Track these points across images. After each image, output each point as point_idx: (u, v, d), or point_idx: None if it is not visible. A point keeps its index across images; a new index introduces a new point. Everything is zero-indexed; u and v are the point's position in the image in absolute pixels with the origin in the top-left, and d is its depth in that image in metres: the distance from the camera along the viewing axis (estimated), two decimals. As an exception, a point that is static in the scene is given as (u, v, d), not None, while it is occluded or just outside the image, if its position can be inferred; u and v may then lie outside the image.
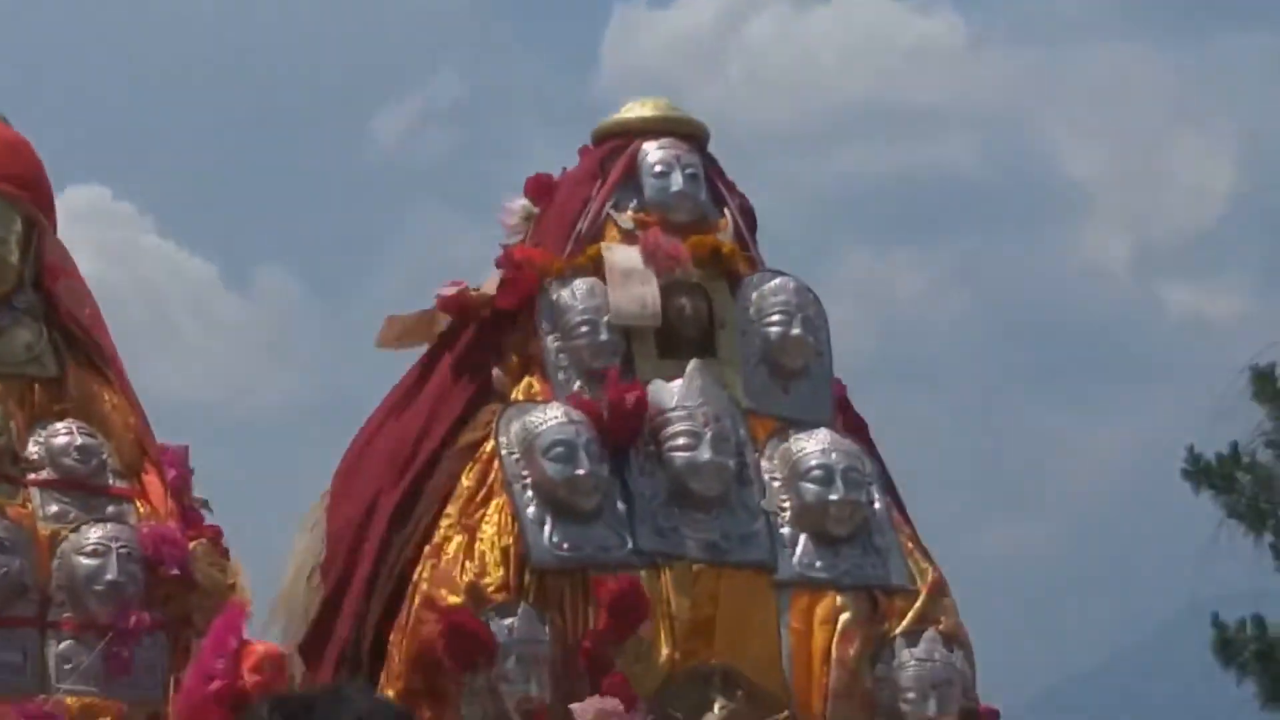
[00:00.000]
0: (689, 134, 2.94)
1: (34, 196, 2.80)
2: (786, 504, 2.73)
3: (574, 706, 2.42)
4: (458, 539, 2.60)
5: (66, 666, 2.45)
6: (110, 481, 2.63)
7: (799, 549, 2.69)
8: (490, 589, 2.51)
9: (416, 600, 2.55)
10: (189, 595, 2.55)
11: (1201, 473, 9.80)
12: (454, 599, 2.51)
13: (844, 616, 2.64)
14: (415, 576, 2.60)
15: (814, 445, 2.74)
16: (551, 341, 2.73)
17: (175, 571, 2.50)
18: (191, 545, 2.56)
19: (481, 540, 2.60)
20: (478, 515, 2.64)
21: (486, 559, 2.58)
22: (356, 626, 2.68)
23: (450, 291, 2.79)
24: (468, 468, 2.71)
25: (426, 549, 2.63)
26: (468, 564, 2.57)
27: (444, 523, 2.66)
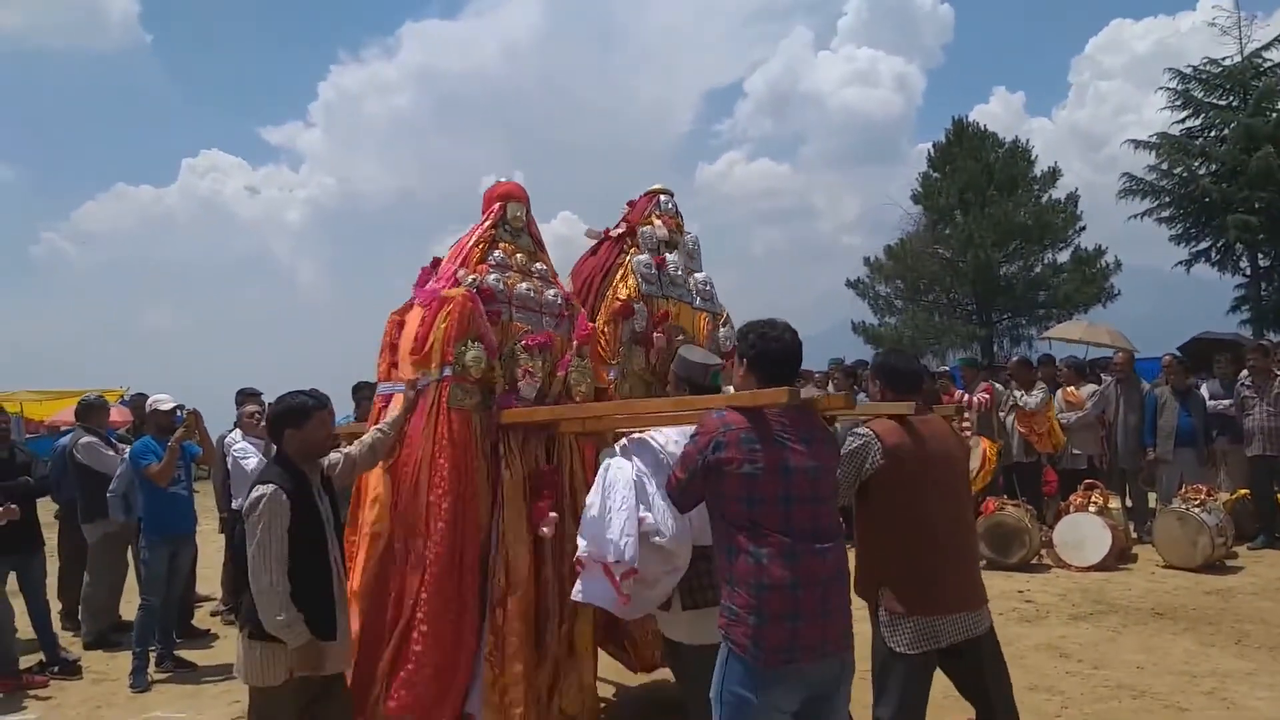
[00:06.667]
0: (670, 191, 5.82)
1: (526, 201, 5.29)
2: (693, 288, 5.66)
3: None
4: (623, 285, 5.29)
5: (547, 319, 5.08)
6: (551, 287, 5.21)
7: (698, 299, 5.64)
8: (630, 299, 5.20)
9: (607, 300, 5.29)
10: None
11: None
12: (621, 298, 5.23)
13: (706, 320, 5.60)
14: (609, 295, 5.31)
15: (700, 276, 5.74)
16: (644, 242, 5.48)
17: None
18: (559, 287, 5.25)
19: (627, 285, 5.27)
20: (629, 279, 5.31)
21: (631, 289, 5.25)
22: (590, 312, 5.29)
23: (615, 229, 5.64)
24: (622, 273, 5.39)
25: (610, 289, 5.35)
26: (621, 289, 5.27)
27: (618, 274, 5.38)
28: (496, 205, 5.22)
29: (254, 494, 3.84)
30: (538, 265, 5.24)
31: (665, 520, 3.79)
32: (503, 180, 5.42)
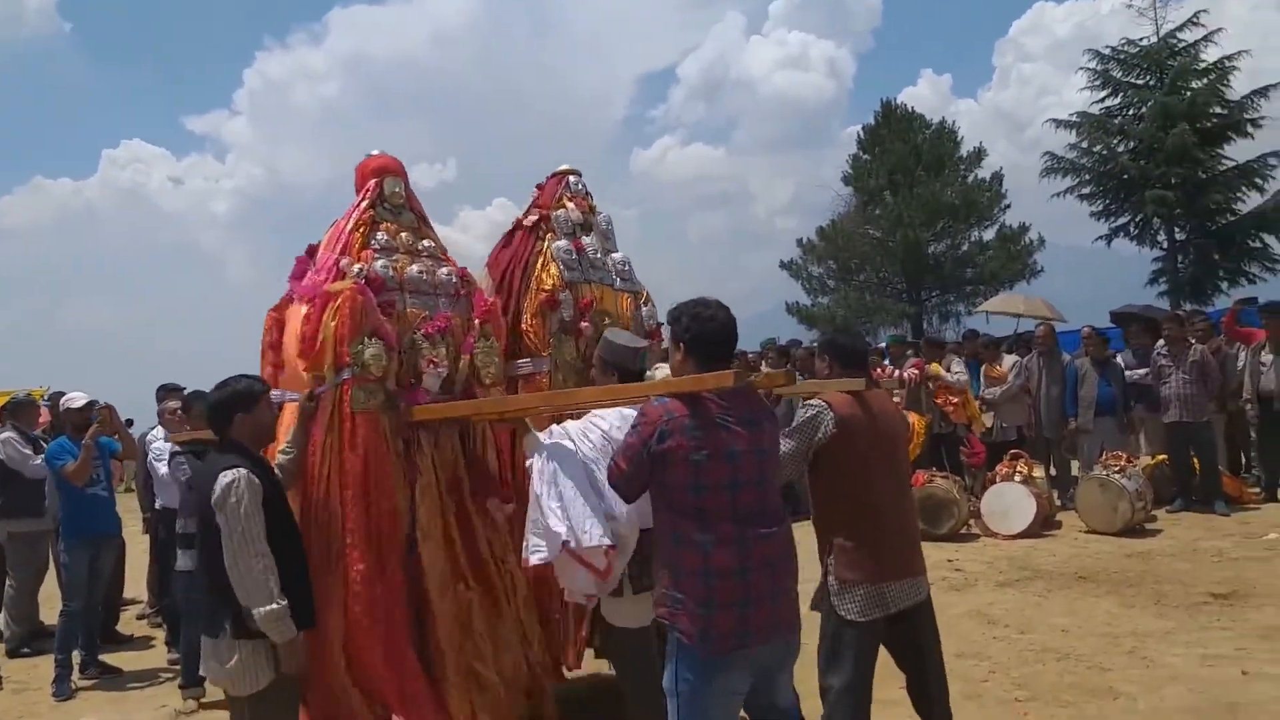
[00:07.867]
0: (578, 171, 5.64)
1: (404, 174, 4.89)
2: (612, 269, 5.48)
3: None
4: (545, 274, 5.10)
5: (442, 300, 4.71)
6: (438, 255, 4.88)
7: (618, 280, 5.46)
8: (555, 289, 5.04)
9: (532, 292, 5.07)
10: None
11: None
12: (546, 289, 5.06)
13: (628, 300, 5.46)
14: (532, 287, 5.10)
15: (618, 256, 5.53)
16: (559, 226, 5.28)
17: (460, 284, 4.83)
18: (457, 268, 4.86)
19: (550, 274, 5.09)
20: (550, 268, 5.12)
21: (555, 277, 5.08)
22: (514, 305, 5.14)
23: (527, 216, 5.38)
24: (542, 262, 5.19)
25: (533, 280, 5.13)
26: (545, 279, 5.08)
27: (538, 264, 5.18)
28: (372, 182, 4.80)
29: (224, 480, 3.59)
30: (425, 243, 4.86)
31: (618, 504, 3.72)
32: (374, 153, 4.96)
